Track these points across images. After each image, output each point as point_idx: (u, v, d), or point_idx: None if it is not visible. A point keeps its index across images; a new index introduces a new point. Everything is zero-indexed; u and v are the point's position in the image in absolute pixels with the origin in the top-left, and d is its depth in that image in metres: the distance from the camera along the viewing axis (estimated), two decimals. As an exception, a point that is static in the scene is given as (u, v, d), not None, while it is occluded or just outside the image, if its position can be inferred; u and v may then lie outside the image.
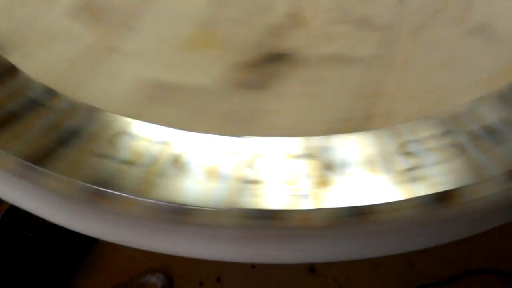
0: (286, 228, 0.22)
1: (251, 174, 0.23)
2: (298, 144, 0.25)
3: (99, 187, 0.22)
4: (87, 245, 0.62)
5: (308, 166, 0.24)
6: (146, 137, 0.25)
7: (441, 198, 0.22)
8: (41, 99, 0.26)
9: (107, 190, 0.22)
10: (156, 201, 0.22)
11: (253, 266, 0.61)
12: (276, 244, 0.23)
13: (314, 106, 0.27)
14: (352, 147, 0.24)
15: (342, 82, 0.28)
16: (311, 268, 0.60)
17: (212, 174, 0.23)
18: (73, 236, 0.60)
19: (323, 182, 0.23)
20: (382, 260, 0.60)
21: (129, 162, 0.23)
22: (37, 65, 0.28)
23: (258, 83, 0.28)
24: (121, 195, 0.22)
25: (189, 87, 0.28)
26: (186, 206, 0.22)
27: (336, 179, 0.23)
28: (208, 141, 0.24)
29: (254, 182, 0.23)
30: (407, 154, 0.24)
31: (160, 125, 0.25)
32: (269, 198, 0.22)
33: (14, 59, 0.28)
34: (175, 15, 0.32)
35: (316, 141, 0.25)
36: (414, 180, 0.23)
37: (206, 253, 0.24)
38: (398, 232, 0.23)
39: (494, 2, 0.31)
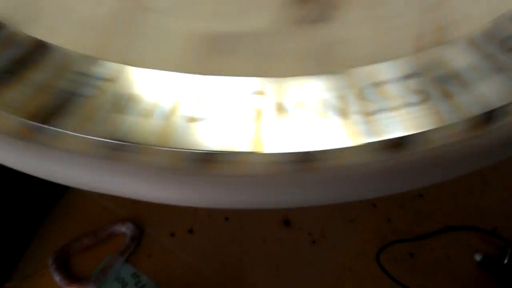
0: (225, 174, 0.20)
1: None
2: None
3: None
4: (56, 192, 0.61)
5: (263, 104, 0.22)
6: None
7: (395, 144, 0.21)
8: (88, 72, 0.24)
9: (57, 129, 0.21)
10: (99, 138, 0.21)
11: (226, 218, 0.59)
12: (216, 189, 0.21)
13: (386, 28, 0.25)
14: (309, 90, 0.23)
15: None
16: (286, 221, 0.59)
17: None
18: (41, 183, 0.58)
19: (277, 121, 0.21)
20: (358, 214, 0.59)
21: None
22: (66, 38, 0.26)
23: (319, 16, 0.26)
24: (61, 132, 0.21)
25: (247, 34, 0.26)
26: (122, 143, 0.20)
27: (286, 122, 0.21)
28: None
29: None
30: (365, 98, 0.22)
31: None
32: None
33: (39, 34, 0.25)
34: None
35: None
36: (371, 125, 0.21)
37: (136, 192, 0.22)
38: (346, 180, 0.21)
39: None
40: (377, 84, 0.23)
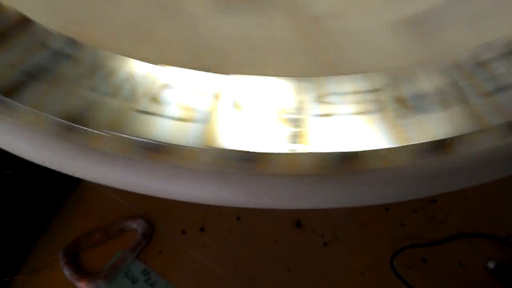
0: (269, 173, 0.20)
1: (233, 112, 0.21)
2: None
3: (72, 122, 0.20)
4: (68, 186, 0.60)
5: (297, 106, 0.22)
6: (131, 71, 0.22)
7: (437, 146, 0.20)
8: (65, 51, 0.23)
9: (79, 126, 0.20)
10: (129, 137, 0.20)
11: (238, 217, 0.59)
12: (257, 189, 0.21)
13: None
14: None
15: None
16: (298, 223, 0.58)
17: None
18: (53, 177, 0.58)
19: (305, 126, 0.21)
20: (371, 218, 0.59)
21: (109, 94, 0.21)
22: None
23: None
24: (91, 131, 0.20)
25: None
26: (160, 143, 0.20)
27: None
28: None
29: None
30: (401, 100, 0.22)
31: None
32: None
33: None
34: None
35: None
36: (410, 127, 0.21)
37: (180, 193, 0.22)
38: (385, 181, 0.21)
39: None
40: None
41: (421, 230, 0.58)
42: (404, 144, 0.20)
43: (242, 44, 0.25)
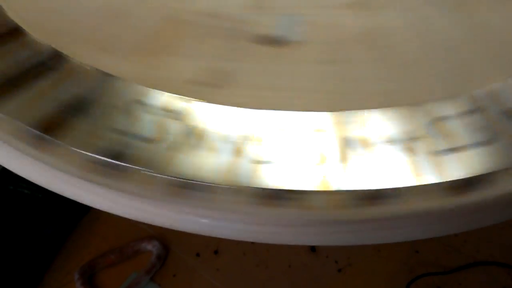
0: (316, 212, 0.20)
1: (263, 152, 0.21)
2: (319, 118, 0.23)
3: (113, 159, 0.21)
4: (84, 206, 0.61)
5: (327, 142, 0.22)
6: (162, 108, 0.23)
7: (462, 185, 0.20)
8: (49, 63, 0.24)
9: (122, 164, 0.21)
10: (174, 177, 0.21)
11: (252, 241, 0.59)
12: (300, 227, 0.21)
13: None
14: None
15: None
16: (312, 248, 0.58)
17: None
18: (70, 197, 0.58)
19: (344, 160, 0.21)
20: (386, 244, 0.58)
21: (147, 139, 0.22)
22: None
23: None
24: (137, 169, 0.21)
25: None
26: (204, 183, 0.20)
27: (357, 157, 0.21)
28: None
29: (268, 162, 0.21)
30: (429, 136, 0.22)
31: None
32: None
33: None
34: None
35: (337, 116, 0.23)
36: (437, 164, 0.21)
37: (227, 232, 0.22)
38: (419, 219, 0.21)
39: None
40: (439, 120, 0.23)
41: (436, 257, 0.57)
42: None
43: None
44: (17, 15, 0.27)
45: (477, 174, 0.20)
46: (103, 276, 0.56)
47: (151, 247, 0.57)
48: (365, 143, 0.22)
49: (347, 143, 0.22)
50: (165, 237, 0.59)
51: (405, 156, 0.21)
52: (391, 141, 0.22)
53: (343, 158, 0.21)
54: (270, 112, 0.23)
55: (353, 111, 0.23)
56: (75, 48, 0.25)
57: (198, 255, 0.58)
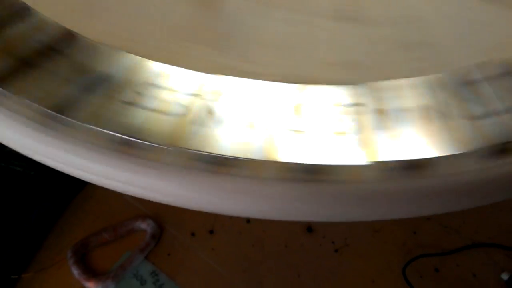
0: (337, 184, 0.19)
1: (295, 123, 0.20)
2: (344, 92, 0.22)
3: (130, 137, 0.20)
4: (77, 184, 0.60)
5: (358, 115, 0.21)
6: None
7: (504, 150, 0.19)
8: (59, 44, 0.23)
9: (139, 140, 0.20)
10: (193, 151, 0.20)
11: (248, 220, 0.58)
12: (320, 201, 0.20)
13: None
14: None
15: None
16: (309, 228, 0.58)
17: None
18: (63, 174, 0.57)
19: (374, 133, 0.20)
20: (384, 225, 0.58)
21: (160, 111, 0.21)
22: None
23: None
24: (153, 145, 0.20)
25: None
26: (225, 157, 0.20)
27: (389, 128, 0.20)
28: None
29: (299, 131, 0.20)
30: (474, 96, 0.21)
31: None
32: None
33: None
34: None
35: (364, 88, 0.22)
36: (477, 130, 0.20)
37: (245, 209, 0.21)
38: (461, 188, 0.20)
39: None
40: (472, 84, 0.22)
41: (435, 238, 0.57)
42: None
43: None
44: None
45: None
46: (96, 255, 0.55)
47: (146, 226, 0.56)
48: (400, 112, 0.21)
49: (381, 114, 0.21)
50: (159, 216, 0.58)
51: (441, 122, 0.20)
52: (426, 108, 0.21)
53: (378, 129, 0.20)
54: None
55: (385, 81, 0.22)
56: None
57: (193, 234, 0.57)
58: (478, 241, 0.56)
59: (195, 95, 0.22)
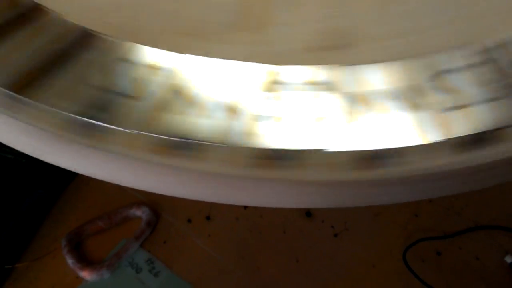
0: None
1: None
2: (317, 71, 0.20)
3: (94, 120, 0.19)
4: (71, 172, 0.58)
5: (333, 99, 0.19)
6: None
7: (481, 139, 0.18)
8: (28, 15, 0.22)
9: (103, 124, 0.19)
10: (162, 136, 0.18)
11: (245, 206, 0.57)
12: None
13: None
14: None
15: None
16: (307, 212, 0.56)
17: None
18: (55, 162, 0.56)
19: (345, 118, 0.19)
20: (385, 208, 0.56)
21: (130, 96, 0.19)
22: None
23: None
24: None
25: None
26: (198, 142, 0.18)
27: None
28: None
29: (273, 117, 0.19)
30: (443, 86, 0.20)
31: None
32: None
33: None
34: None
35: (339, 72, 0.20)
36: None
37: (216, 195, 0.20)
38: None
39: None
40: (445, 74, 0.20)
41: (436, 221, 0.55)
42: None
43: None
44: None
45: (485, 130, 0.18)
46: (91, 243, 0.54)
47: (141, 213, 0.55)
48: (365, 101, 0.20)
49: (347, 100, 0.20)
50: (155, 203, 0.57)
51: (408, 113, 0.19)
52: (394, 97, 0.20)
53: (344, 117, 0.19)
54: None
55: (351, 66, 0.21)
56: (160, 40, 0.23)
57: (189, 221, 0.56)
58: (481, 224, 0.55)
59: (160, 75, 0.20)
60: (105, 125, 0.19)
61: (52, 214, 0.57)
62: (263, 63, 0.21)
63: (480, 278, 0.51)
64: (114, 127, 0.19)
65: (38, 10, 0.22)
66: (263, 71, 0.21)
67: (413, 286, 0.51)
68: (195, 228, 0.56)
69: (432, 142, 0.18)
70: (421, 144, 0.18)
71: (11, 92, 0.19)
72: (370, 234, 0.55)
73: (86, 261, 0.52)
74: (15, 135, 0.20)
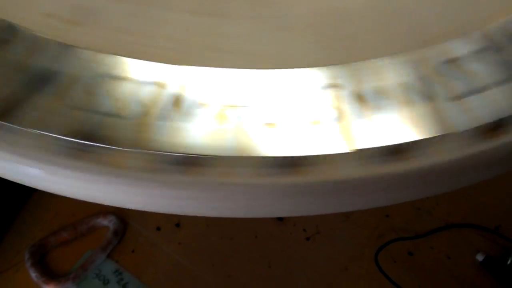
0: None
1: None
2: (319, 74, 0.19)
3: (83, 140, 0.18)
4: (32, 182, 0.56)
5: (333, 99, 0.19)
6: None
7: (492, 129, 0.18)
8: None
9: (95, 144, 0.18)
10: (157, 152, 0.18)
11: (215, 211, 0.56)
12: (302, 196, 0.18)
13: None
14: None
15: None
16: (279, 217, 0.55)
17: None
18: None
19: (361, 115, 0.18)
20: (355, 210, 0.56)
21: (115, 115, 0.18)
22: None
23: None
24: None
25: None
26: (195, 156, 0.17)
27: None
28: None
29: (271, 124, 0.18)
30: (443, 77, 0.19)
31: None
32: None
33: None
34: None
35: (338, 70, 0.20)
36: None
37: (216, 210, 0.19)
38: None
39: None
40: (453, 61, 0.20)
41: (407, 221, 0.55)
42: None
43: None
44: None
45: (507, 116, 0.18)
46: (55, 255, 0.52)
47: (107, 222, 0.54)
48: (380, 93, 0.19)
49: (361, 96, 0.19)
50: (122, 211, 0.55)
51: (424, 103, 0.18)
52: (407, 88, 0.19)
53: (359, 114, 0.18)
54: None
55: (361, 62, 0.20)
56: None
57: (158, 229, 0.55)
58: (452, 222, 0.55)
59: (158, 85, 0.19)
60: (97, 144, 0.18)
61: (15, 225, 0.55)
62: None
63: (452, 277, 0.51)
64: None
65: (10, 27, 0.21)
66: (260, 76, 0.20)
67: (386, 287, 0.50)
68: (164, 236, 0.54)
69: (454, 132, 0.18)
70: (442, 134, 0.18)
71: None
72: (342, 237, 0.54)
73: (50, 274, 0.50)
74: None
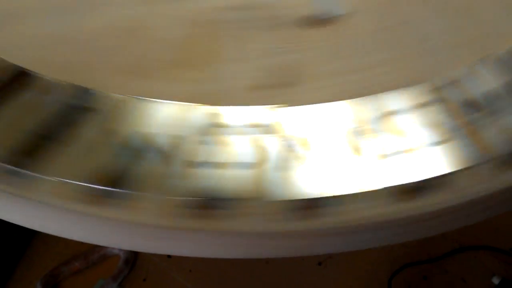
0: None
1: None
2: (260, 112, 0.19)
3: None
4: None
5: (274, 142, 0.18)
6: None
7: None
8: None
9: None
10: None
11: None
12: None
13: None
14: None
15: None
16: (290, 241, 0.55)
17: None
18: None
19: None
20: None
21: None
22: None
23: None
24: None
25: None
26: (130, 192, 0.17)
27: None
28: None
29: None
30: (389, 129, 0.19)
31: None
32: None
33: None
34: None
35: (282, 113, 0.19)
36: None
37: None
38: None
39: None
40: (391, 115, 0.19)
41: (421, 244, 0.54)
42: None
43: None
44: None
45: (429, 177, 0.17)
46: (67, 285, 0.52)
47: (118, 250, 0.54)
48: (305, 144, 0.19)
49: (287, 144, 0.19)
50: (133, 239, 0.55)
51: (349, 156, 0.18)
52: (334, 139, 0.19)
53: (282, 163, 0.18)
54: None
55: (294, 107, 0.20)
56: (101, 79, 0.21)
57: (169, 256, 0.54)
58: (466, 244, 0.54)
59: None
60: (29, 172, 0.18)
61: (27, 256, 0.55)
62: (204, 103, 0.20)
63: (468, 301, 0.51)
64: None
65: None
66: (204, 113, 0.20)
67: (400, 313, 0.50)
68: (175, 264, 0.54)
69: (370, 190, 0.17)
70: (360, 192, 0.17)
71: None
72: (355, 261, 0.54)
73: (62, 305, 0.50)
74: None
